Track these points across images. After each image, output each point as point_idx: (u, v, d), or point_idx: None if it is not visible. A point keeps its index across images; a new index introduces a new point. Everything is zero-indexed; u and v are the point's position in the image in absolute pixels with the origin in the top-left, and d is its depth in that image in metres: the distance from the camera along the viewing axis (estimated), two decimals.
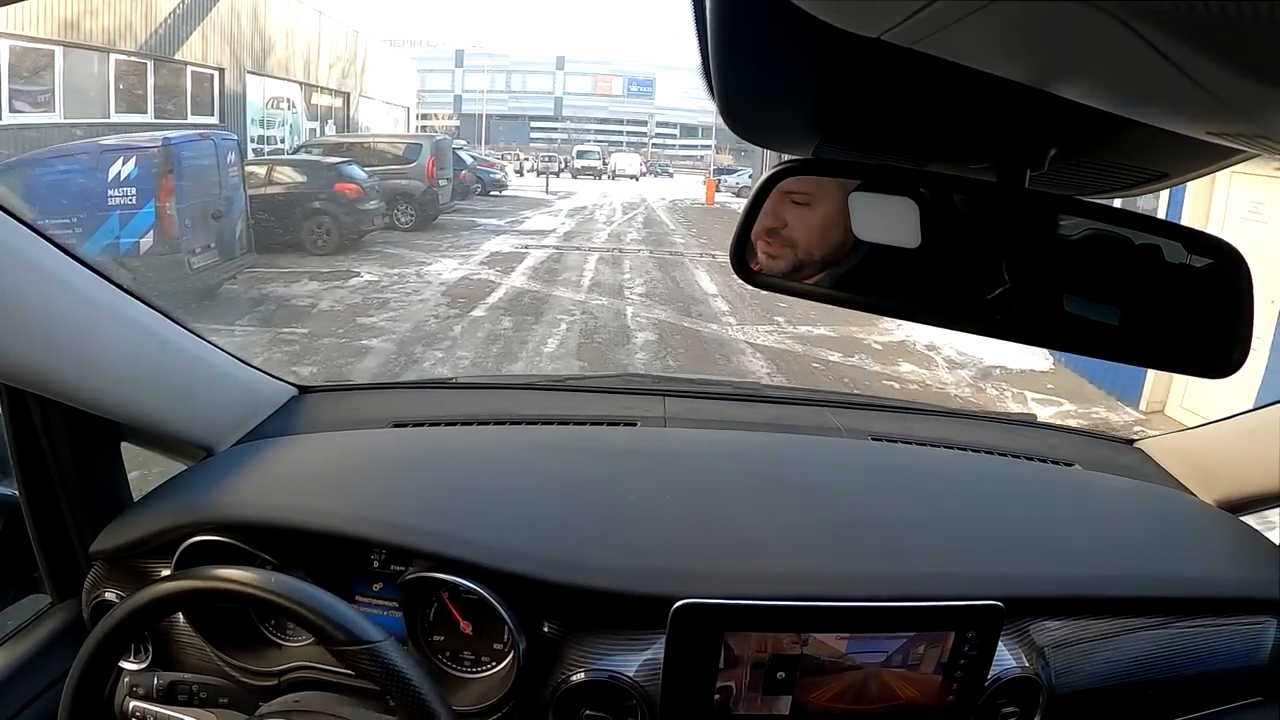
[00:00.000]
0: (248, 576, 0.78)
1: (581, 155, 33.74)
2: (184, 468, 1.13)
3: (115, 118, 10.80)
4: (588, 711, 0.89)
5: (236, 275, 7.80)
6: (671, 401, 1.40)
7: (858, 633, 0.87)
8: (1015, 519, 1.13)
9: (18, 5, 0.62)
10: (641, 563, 0.94)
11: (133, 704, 0.96)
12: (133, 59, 11.29)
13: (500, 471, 1.09)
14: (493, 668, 0.94)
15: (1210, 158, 0.60)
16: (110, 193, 6.68)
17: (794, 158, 0.65)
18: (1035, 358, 6.58)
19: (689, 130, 52.27)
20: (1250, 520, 1.22)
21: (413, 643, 0.94)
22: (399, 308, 7.34)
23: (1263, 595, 1.05)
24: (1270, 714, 1.06)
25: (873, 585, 0.92)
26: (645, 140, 51.23)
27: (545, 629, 0.92)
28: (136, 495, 1.08)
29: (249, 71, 14.15)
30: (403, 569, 0.93)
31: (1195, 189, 5.44)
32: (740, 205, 0.65)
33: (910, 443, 1.31)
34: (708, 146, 43.26)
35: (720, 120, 0.66)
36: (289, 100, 15.96)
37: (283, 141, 15.28)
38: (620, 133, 52.46)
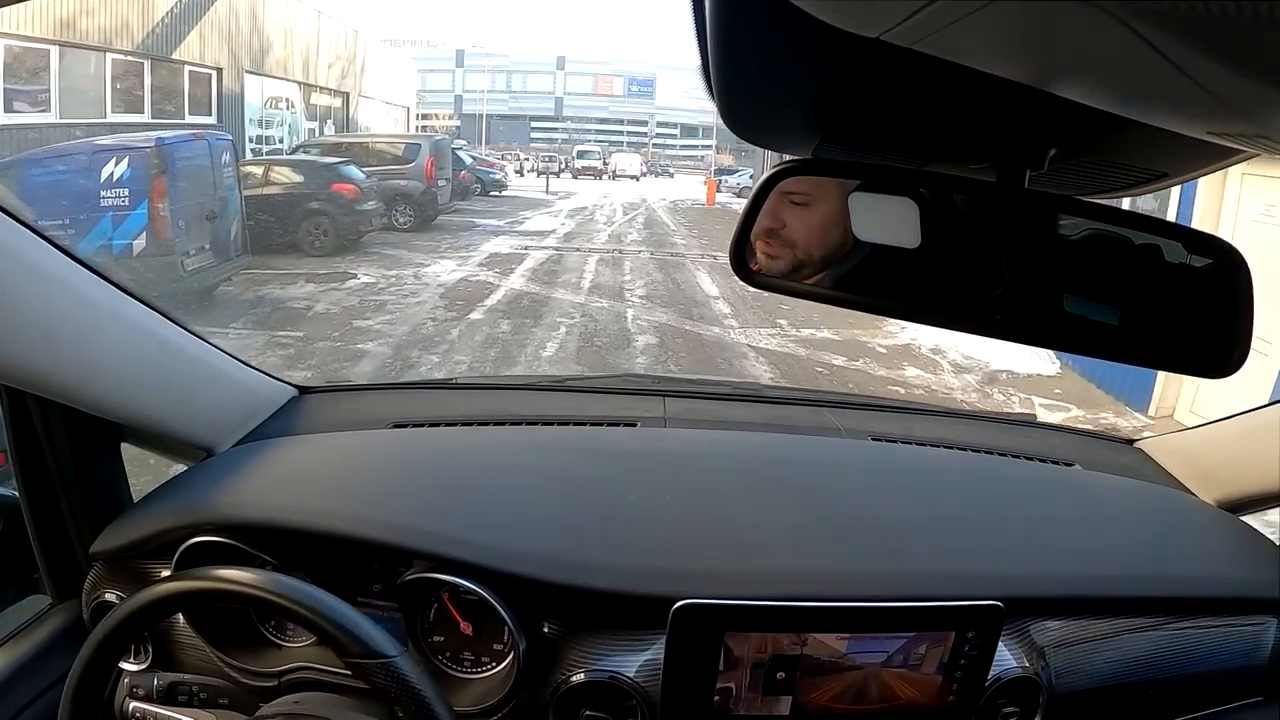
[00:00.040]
0: (249, 577, 0.78)
1: (582, 155, 33.70)
2: (184, 468, 1.13)
3: (112, 117, 10.73)
4: (588, 712, 0.89)
5: (232, 277, 7.74)
6: (671, 402, 1.40)
7: (858, 633, 0.87)
8: (1015, 519, 1.13)
9: (13, 5, 0.61)
10: (641, 563, 0.94)
11: (133, 705, 0.97)
12: (130, 58, 11.22)
13: (500, 472, 1.09)
14: (493, 668, 0.94)
15: (1210, 158, 0.60)
16: (103, 193, 6.62)
17: (794, 158, 0.65)
18: (1042, 362, 6.51)
19: (689, 130, 52.25)
20: (1250, 520, 1.22)
21: (413, 643, 0.94)
22: (396, 310, 7.28)
23: (1263, 595, 1.05)
24: (1270, 714, 1.06)
25: (873, 585, 0.92)
26: (646, 140, 51.23)
27: (545, 629, 0.91)
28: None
29: (247, 71, 14.09)
30: (403, 569, 0.93)
31: (1206, 192, 5.39)
32: (741, 205, 0.65)
33: (910, 443, 1.31)
34: (708, 146, 43.26)
35: (721, 120, 0.66)
36: (288, 100, 15.91)
37: (281, 141, 15.22)
38: (621, 133, 52.45)
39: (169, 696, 0.96)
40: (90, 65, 10.57)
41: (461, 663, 0.95)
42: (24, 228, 0.79)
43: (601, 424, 1.30)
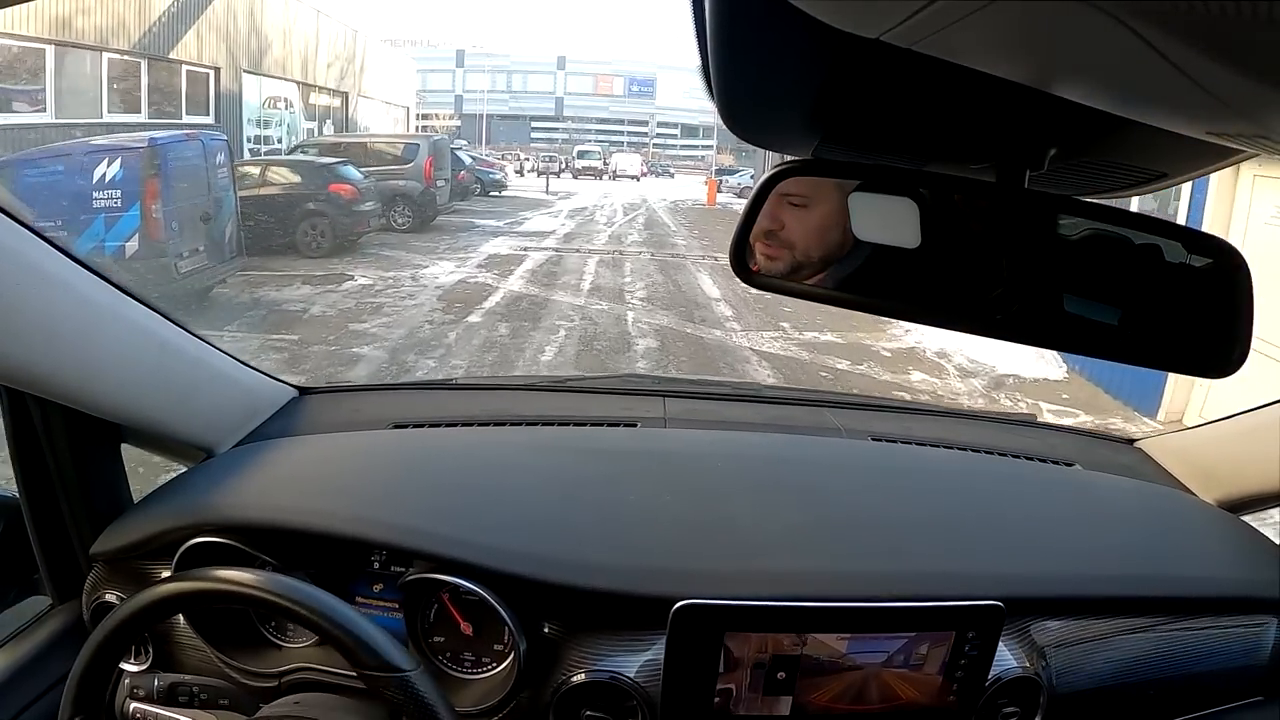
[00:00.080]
0: (254, 578, 0.78)
1: (582, 155, 33.68)
2: (184, 469, 1.13)
3: (109, 117, 10.67)
4: (588, 712, 0.89)
5: (227, 279, 7.61)
6: (671, 402, 1.40)
7: (858, 633, 0.87)
8: (1015, 519, 1.13)
9: (14, 5, 0.61)
10: (642, 563, 0.94)
11: (133, 705, 0.97)
12: (126, 58, 11.17)
13: (500, 472, 1.09)
14: (493, 668, 0.94)
15: (1210, 158, 0.60)
16: (95, 195, 6.51)
17: (793, 158, 0.66)
18: (1049, 366, 6.43)
19: (690, 130, 52.26)
20: (1250, 520, 1.22)
21: (413, 643, 0.94)
22: (393, 313, 7.20)
23: (1263, 595, 1.05)
24: (1271, 714, 1.06)
25: (873, 585, 0.92)
26: (646, 140, 51.22)
27: (546, 630, 0.92)
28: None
29: (245, 71, 14.04)
30: (403, 570, 0.93)
31: (1217, 194, 5.32)
32: (742, 206, 0.65)
33: (910, 443, 1.31)
34: (709, 147, 43.28)
35: (721, 121, 0.66)
36: (286, 100, 15.87)
37: (280, 141, 15.17)
38: (621, 133, 52.45)
39: (169, 697, 0.96)
40: (86, 65, 10.51)
41: (462, 663, 0.95)
42: (24, 229, 0.79)
43: (602, 424, 1.30)
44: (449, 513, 1.00)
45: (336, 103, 18.66)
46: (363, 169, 10.90)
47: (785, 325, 7.37)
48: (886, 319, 7.50)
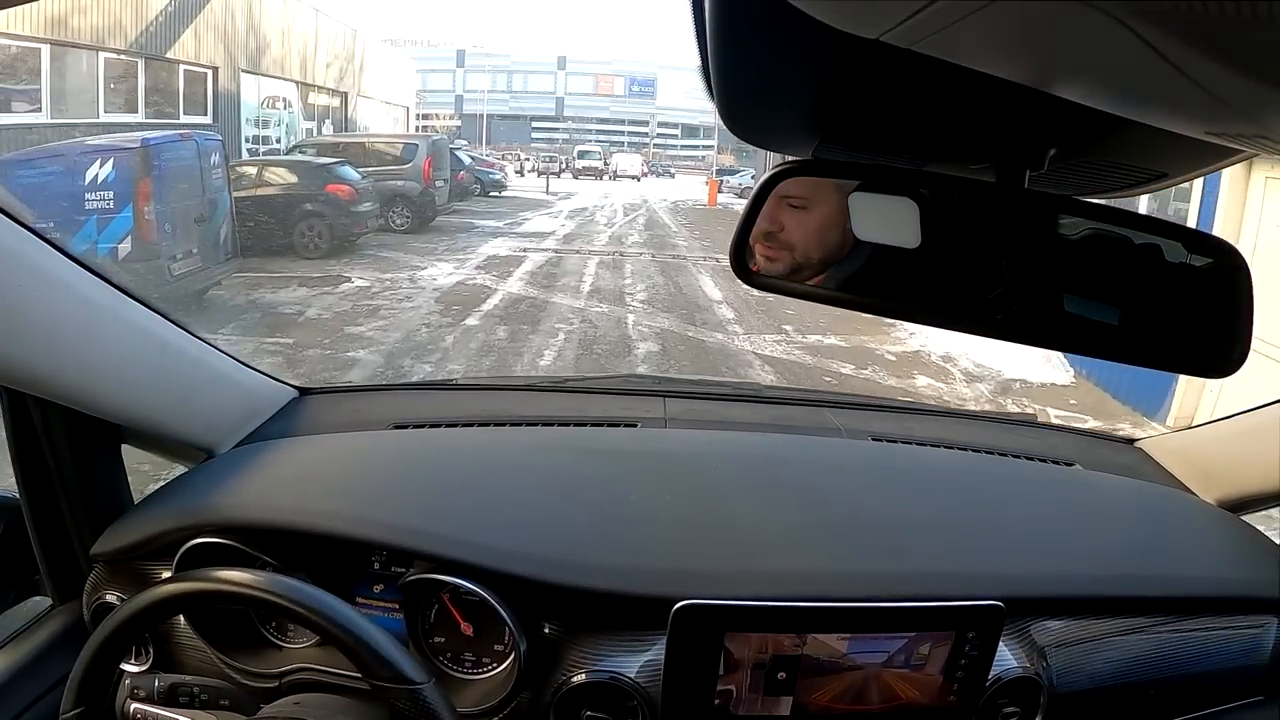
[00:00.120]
0: (261, 580, 0.78)
1: (583, 155, 33.66)
2: (184, 470, 1.13)
3: (105, 117, 10.59)
4: (588, 713, 0.89)
5: (222, 281, 7.50)
6: (672, 402, 1.40)
7: (858, 633, 0.87)
8: (1016, 519, 1.13)
9: (16, 6, 0.61)
10: (642, 564, 0.94)
11: (134, 706, 0.97)
12: (123, 57, 11.10)
13: (501, 473, 1.09)
14: (494, 669, 0.94)
15: (1210, 158, 0.60)
16: (88, 196, 6.30)
17: (793, 158, 0.66)
18: (1056, 370, 6.35)
19: (691, 130, 52.27)
20: (1251, 519, 1.22)
21: (413, 644, 0.94)
22: (389, 316, 7.07)
23: (1263, 595, 1.05)
24: (1271, 713, 1.06)
25: (873, 585, 0.92)
26: (647, 140, 51.24)
27: (546, 630, 0.92)
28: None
29: (243, 70, 13.99)
30: (403, 570, 0.94)
31: (1229, 196, 5.24)
32: (743, 206, 0.65)
33: (910, 443, 1.31)
34: (709, 147, 43.26)
35: (721, 121, 0.66)
36: (285, 100, 15.83)
37: (279, 141, 15.11)
38: (622, 133, 52.47)
39: (170, 698, 0.96)
40: (83, 64, 10.44)
41: (462, 663, 0.95)
42: (25, 230, 0.79)
43: (602, 424, 1.31)
44: (449, 513, 1.00)
45: (336, 102, 18.63)
46: (361, 169, 10.82)
47: (788, 328, 7.29)
48: (890, 322, 7.39)
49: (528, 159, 33.57)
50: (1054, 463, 1.30)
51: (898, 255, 0.61)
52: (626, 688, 0.88)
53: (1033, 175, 0.58)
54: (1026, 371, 6.30)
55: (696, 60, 0.55)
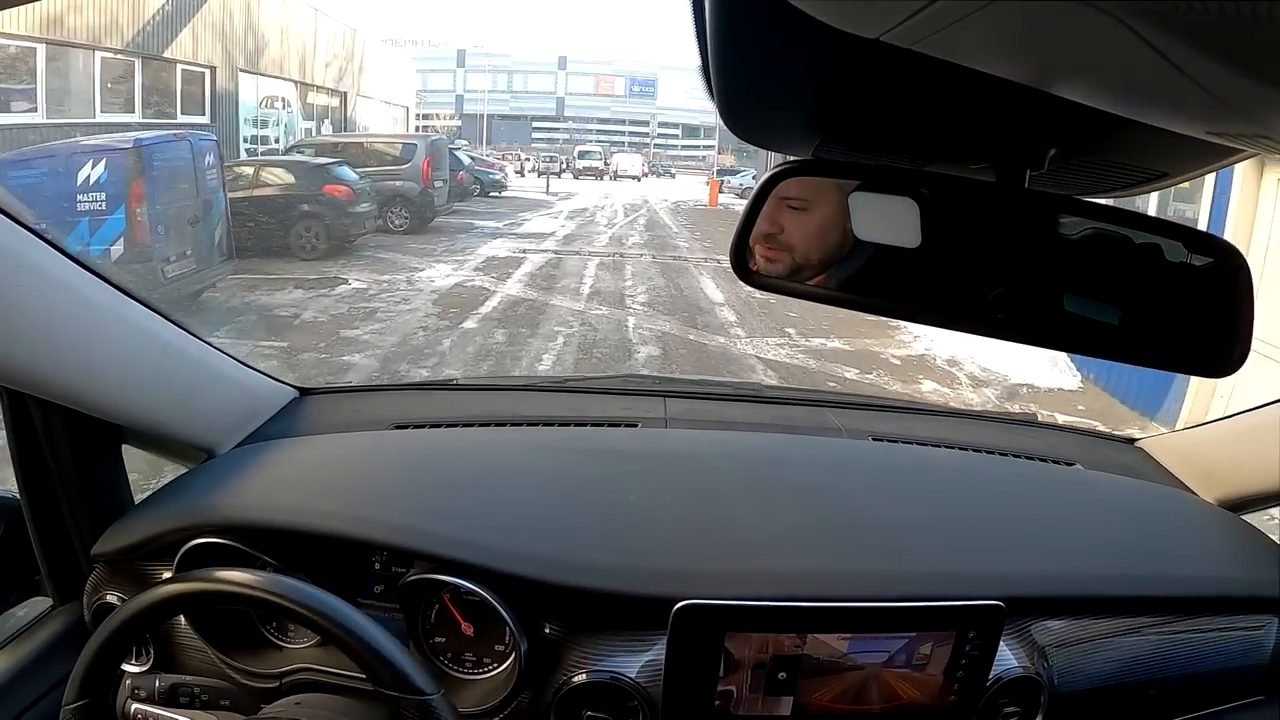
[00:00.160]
0: (254, 579, 0.78)
1: (583, 155, 33.65)
2: (185, 470, 1.13)
3: (102, 117, 10.52)
4: (589, 713, 0.89)
5: (216, 283, 7.40)
6: (672, 402, 1.40)
7: (859, 633, 0.87)
8: (1016, 519, 1.13)
9: (17, 6, 0.61)
10: (642, 564, 0.94)
11: (134, 706, 0.97)
12: (119, 57, 11.03)
13: (501, 473, 1.09)
14: (494, 669, 0.94)
15: (1210, 157, 0.60)
16: (79, 197, 6.23)
17: (794, 158, 0.66)
18: (1063, 375, 6.26)
19: (691, 130, 52.29)
20: (1251, 519, 1.22)
21: (414, 644, 0.94)
22: (386, 319, 6.98)
23: (1264, 594, 1.05)
24: (1271, 713, 1.06)
25: (874, 585, 0.92)
26: (647, 140, 51.24)
27: (547, 630, 0.92)
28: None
29: (241, 70, 13.94)
30: (404, 570, 0.94)
31: (1241, 197, 5.16)
32: (743, 206, 0.65)
33: (911, 443, 1.31)
34: (710, 147, 43.32)
35: (721, 121, 0.66)
36: (284, 99, 15.79)
37: (277, 141, 15.05)
38: (622, 133, 52.49)
39: (170, 698, 0.96)
40: (79, 64, 10.37)
41: (463, 663, 0.95)
42: (26, 230, 0.79)
43: (602, 424, 1.31)
44: (450, 513, 1.00)
45: (335, 102, 18.61)
46: (359, 169, 10.74)
47: (791, 331, 7.22)
48: (894, 325, 7.31)
49: (528, 159, 33.56)
50: (1055, 462, 1.30)
51: (898, 255, 0.61)
52: (627, 688, 0.88)
53: (1033, 175, 0.58)
54: (1033, 376, 6.21)
55: (697, 60, 0.55)
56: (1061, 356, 6.33)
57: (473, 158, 20.31)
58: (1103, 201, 0.65)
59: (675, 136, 53.41)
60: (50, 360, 0.83)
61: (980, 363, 6.48)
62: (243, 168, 10.07)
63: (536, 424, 1.28)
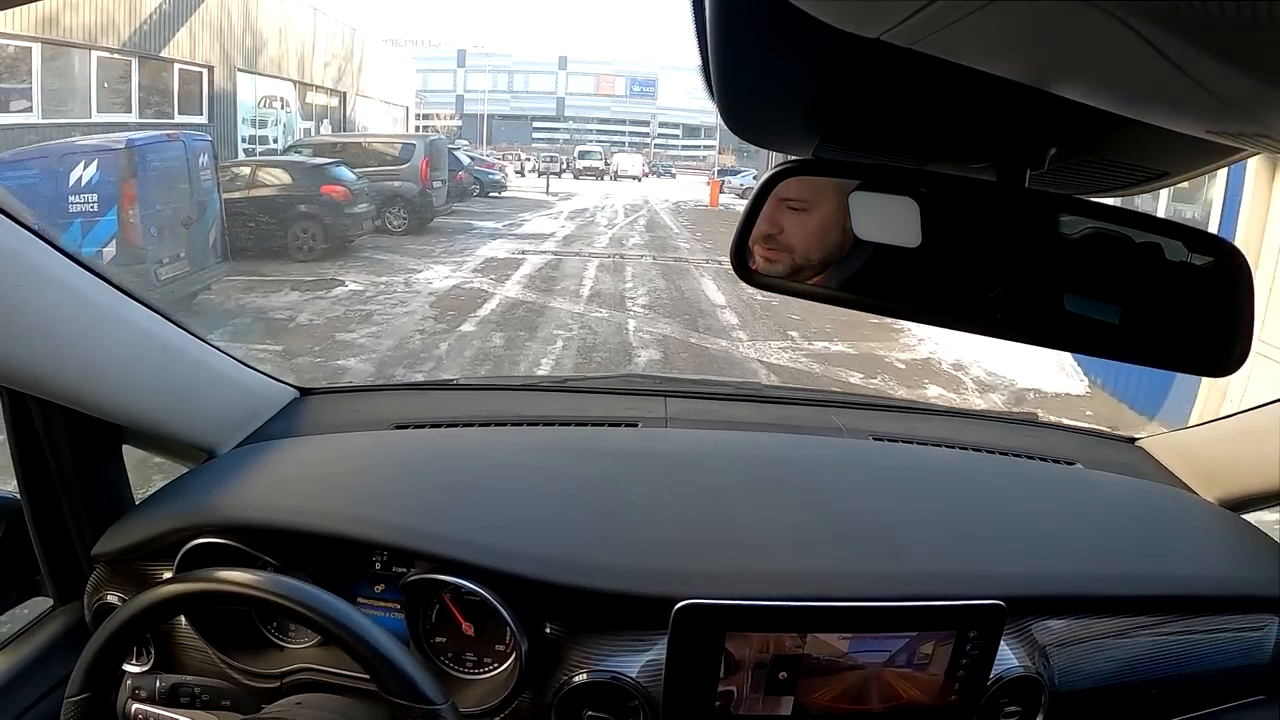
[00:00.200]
0: (255, 579, 0.78)
1: (583, 155, 33.63)
2: (186, 470, 1.13)
3: (98, 117, 10.43)
4: (590, 712, 0.89)
5: (211, 285, 7.32)
6: (673, 402, 1.40)
7: (860, 633, 0.87)
8: (1017, 518, 1.12)
9: (19, 6, 0.61)
10: (643, 563, 0.94)
11: (135, 706, 0.97)
12: (116, 56, 10.95)
13: (502, 472, 1.09)
14: (495, 669, 0.94)
15: (1211, 156, 0.60)
16: (71, 199, 6.12)
17: (794, 158, 0.66)
18: (1070, 380, 6.17)
19: (692, 130, 52.32)
20: (1251, 518, 1.22)
21: (415, 644, 0.94)
22: (382, 321, 6.88)
23: (1264, 594, 1.05)
24: (1272, 712, 1.06)
25: (874, 585, 0.92)
26: (648, 141, 51.29)
27: (547, 630, 0.92)
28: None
29: (240, 69, 13.87)
30: (404, 570, 0.94)
31: (1254, 196, 5.06)
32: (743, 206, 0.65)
33: (912, 442, 1.31)
34: (711, 147, 43.30)
35: (722, 120, 0.66)
36: (282, 99, 15.73)
37: (276, 141, 14.97)
38: (623, 133, 52.54)
39: (171, 698, 0.97)
40: (75, 63, 10.30)
41: (464, 663, 0.95)
42: (26, 230, 0.79)
43: (603, 424, 1.31)
44: (450, 513, 1.00)
45: (334, 102, 18.57)
46: (357, 169, 10.63)
47: (794, 334, 7.13)
48: (898, 327, 7.20)
49: (528, 159, 33.55)
50: (1055, 462, 1.30)
51: (898, 254, 0.61)
52: (628, 688, 0.88)
53: (1033, 174, 0.58)
54: (1040, 381, 6.12)
55: (697, 60, 0.55)
56: (1068, 361, 6.28)
57: (472, 158, 20.27)
58: (1103, 201, 0.65)
59: (676, 136, 53.46)
60: (50, 360, 0.83)
61: (986, 366, 6.39)
62: (239, 168, 9.99)
63: (537, 424, 1.28)
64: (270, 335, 6.33)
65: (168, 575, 0.95)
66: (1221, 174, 5.02)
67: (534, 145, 45.15)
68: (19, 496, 1.01)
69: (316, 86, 17.33)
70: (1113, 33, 0.25)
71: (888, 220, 0.61)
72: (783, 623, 0.86)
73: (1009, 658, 0.93)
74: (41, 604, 1.08)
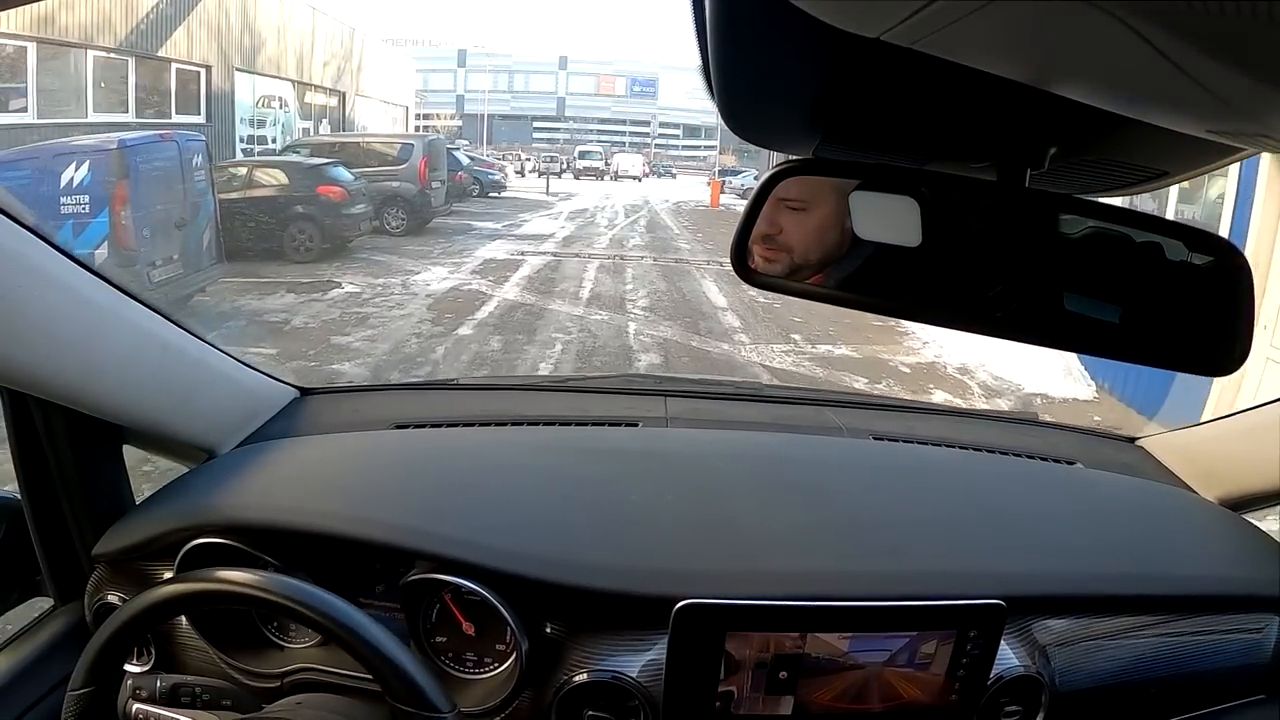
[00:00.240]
0: (255, 579, 0.78)
1: (584, 156, 33.63)
2: (185, 470, 1.13)
3: (94, 117, 10.33)
4: (590, 712, 0.89)
5: (205, 287, 7.20)
6: (673, 402, 1.40)
7: (860, 632, 0.87)
8: (1017, 518, 1.12)
9: (20, 6, 0.61)
10: (643, 563, 0.94)
11: (136, 706, 0.97)
12: (112, 56, 10.88)
13: (502, 472, 1.09)
14: (495, 669, 0.94)
15: (1211, 156, 0.60)
16: (63, 200, 5.99)
17: (794, 158, 0.66)
18: (1078, 384, 6.08)
19: (692, 131, 52.35)
20: (1252, 518, 1.22)
21: (415, 644, 0.94)
22: (378, 325, 6.79)
23: (1264, 593, 1.05)
24: (1272, 712, 1.06)
25: (875, 585, 0.92)
26: (648, 141, 51.31)
27: (548, 630, 0.92)
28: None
29: (238, 69, 13.80)
30: (405, 570, 0.93)
31: (1266, 195, 4.97)
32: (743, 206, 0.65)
33: (912, 442, 1.31)
34: (711, 147, 43.33)
35: (722, 120, 0.66)
36: (281, 99, 15.67)
37: (274, 141, 14.89)
38: (623, 133, 52.57)
39: (172, 698, 0.97)
40: (71, 63, 10.22)
41: (464, 663, 0.95)
42: (26, 230, 0.79)
43: (603, 424, 1.31)
44: (451, 513, 1.00)
45: (333, 102, 18.52)
46: (355, 170, 10.51)
47: (796, 337, 7.06)
48: (902, 330, 7.14)
49: (528, 159, 33.59)
50: (1055, 461, 1.30)
51: (899, 254, 0.61)
52: (628, 687, 0.88)
53: (1034, 174, 0.58)
54: (1047, 385, 6.03)
55: (697, 60, 0.55)
56: (1075, 364, 6.23)
57: (472, 158, 20.26)
58: (1103, 200, 0.65)
59: (676, 136, 53.48)
60: (50, 360, 0.83)
61: (992, 370, 6.32)
62: (235, 168, 9.89)
63: (537, 423, 1.28)
64: (265, 339, 6.25)
65: (168, 575, 0.95)
66: (1232, 175, 5.01)
67: (534, 145, 45.15)
68: (19, 496, 1.01)
69: (315, 86, 17.28)
70: (1113, 33, 0.25)
71: (888, 220, 0.61)
72: (783, 622, 0.86)
73: (1009, 657, 0.93)
74: (42, 604, 1.08)
